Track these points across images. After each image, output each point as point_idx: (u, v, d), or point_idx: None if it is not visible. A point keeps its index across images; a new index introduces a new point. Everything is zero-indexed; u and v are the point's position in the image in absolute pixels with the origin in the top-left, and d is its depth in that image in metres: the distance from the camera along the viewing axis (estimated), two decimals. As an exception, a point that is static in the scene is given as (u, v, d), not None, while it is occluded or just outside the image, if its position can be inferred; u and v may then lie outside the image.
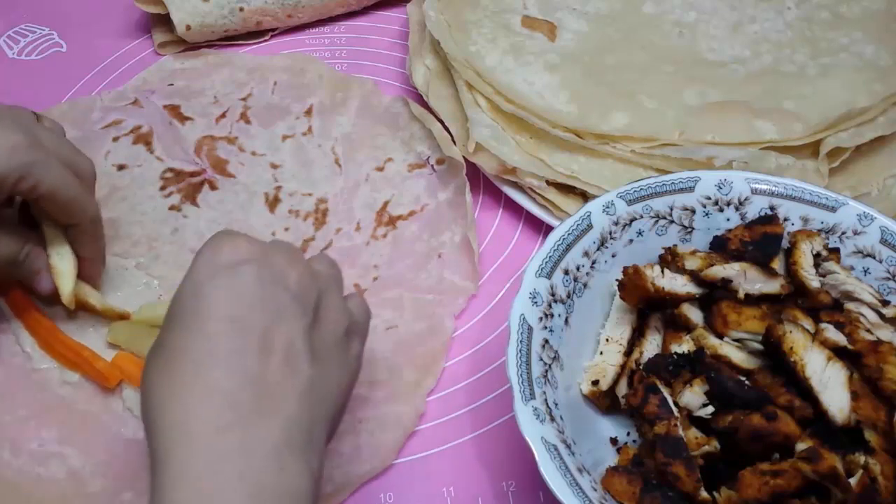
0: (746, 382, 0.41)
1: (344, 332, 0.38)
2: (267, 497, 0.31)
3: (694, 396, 0.41)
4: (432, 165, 0.61)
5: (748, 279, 0.43)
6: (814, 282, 0.44)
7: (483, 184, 0.60)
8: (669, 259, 0.46)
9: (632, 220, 0.48)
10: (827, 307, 0.44)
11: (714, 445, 0.40)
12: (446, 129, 0.60)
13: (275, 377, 0.33)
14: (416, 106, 0.64)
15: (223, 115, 0.66)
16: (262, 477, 0.31)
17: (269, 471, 0.31)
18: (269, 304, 0.35)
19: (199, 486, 0.31)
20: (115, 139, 0.63)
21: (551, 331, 0.44)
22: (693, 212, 0.49)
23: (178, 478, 0.31)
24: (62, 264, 0.49)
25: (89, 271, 0.51)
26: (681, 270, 0.45)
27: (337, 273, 0.41)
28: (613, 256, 0.48)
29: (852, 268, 0.47)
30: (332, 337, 0.37)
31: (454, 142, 0.59)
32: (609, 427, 0.45)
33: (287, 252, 0.38)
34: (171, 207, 0.59)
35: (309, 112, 0.66)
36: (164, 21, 0.72)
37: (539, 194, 0.57)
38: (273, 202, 0.60)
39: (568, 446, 0.39)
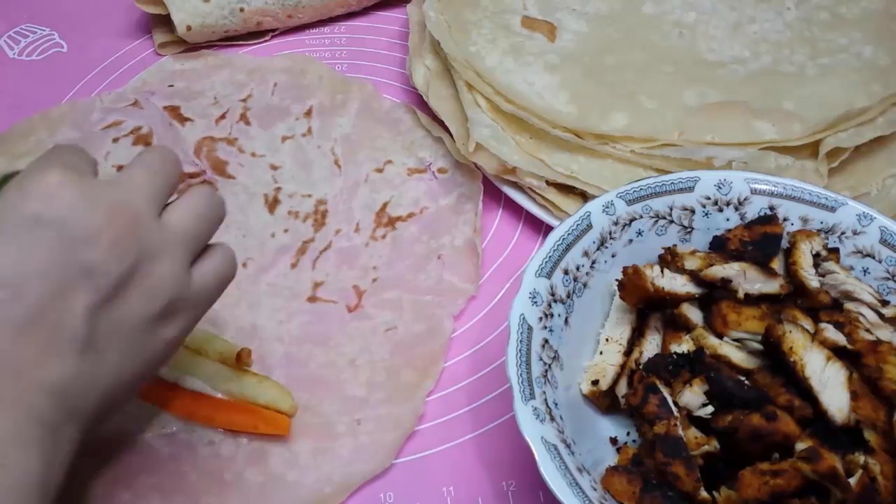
0: (746, 382, 0.41)
1: (158, 312, 0.32)
2: None
3: (694, 396, 0.41)
4: (434, 172, 0.62)
5: (748, 279, 0.43)
6: (813, 282, 0.44)
7: (483, 184, 0.60)
8: (669, 259, 0.46)
9: (631, 220, 0.48)
10: (826, 307, 0.44)
11: (714, 445, 0.40)
12: (448, 132, 0.60)
13: (25, 359, 0.29)
14: (424, 116, 0.64)
15: (223, 117, 0.66)
16: None
17: None
18: (55, 274, 0.30)
19: None
20: (115, 140, 0.63)
21: (551, 331, 0.44)
22: (693, 212, 0.49)
23: None
24: None
25: None
26: (680, 270, 0.45)
27: (199, 226, 0.34)
28: (613, 256, 0.48)
29: (852, 268, 0.47)
30: (133, 319, 0.32)
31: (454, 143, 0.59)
32: (609, 427, 0.45)
33: (114, 203, 0.32)
34: (171, 208, 0.59)
35: (309, 113, 0.66)
36: (165, 21, 0.72)
37: (539, 194, 0.57)
38: (272, 203, 0.60)
39: (568, 446, 0.39)
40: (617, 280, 0.46)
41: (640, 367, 0.44)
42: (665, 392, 0.41)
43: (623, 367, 0.45)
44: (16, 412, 0.29)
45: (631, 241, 0.48)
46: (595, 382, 0.45)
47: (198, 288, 0.35)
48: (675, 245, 0.48)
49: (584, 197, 0.56)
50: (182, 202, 0.35)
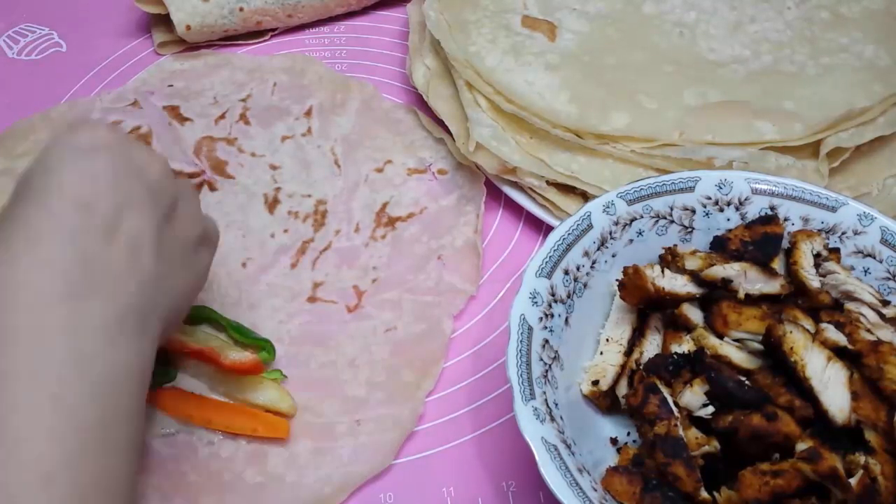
0: (746, 382, 0.41)
1: (196, 239, 0.39)
2: (94, 369, 0.32)
3: (694, 396, 0.41)
4: (434, 173, 0.61)
5: (748, 279, 0.43)
6: (814, 282, 0.44)
7: (483, 184, 0.60)
8: (669, 259, 0.46)
9: (632, 220, 0.48)
10: (827, 307, 0.44)
11: (714, 445, 0.40)
12: (449, 134, 0.60)
13: (115, 261, 0.33)
14: (425, 117, 0.64)
15: (222, 116, 0.66)
16: (90, 349, 0.32)
17: (97, 345, 0.32)
18: (122, 193, 0.34)
19: (26, 356, 0.30)
20: (115, 140, 0.63)
21: (551, 331, 0.44)
22: (693, 212, 0.49)
23: (4, 345, 0.30)
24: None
25: None
26: (681, 270, 0.45)
27: (193, 187, 0.42)
28: (613, 256, 0.48)
29: (852, 268, 0.47)
30: (182, 241, 0.38)
31: (453, 142, 0.59)
32: (609, 427, 0.45)
33: (149, 150, 0.38)
34: (171, 208, 0.59)
35: (308, 113, 0.66)
36: (164, 21, 0.72)
37: (539, 194, 0.57)
38: (272, 203, 0.59)
39: (568, 446, 0.39)
40: (617, 280, 0.46)
41: (641, 367, 0.44)
42: (665, 392, 0.41)
43: (623, 367, 0.45)
44: (116, 302, 0.33)
45: (631, 241, 0.48)
46: (595, 383, 0.45)
47: (209, 228, 0.41)
48: (675, 245, 0.48)
49: (585, 197, 0.56)
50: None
